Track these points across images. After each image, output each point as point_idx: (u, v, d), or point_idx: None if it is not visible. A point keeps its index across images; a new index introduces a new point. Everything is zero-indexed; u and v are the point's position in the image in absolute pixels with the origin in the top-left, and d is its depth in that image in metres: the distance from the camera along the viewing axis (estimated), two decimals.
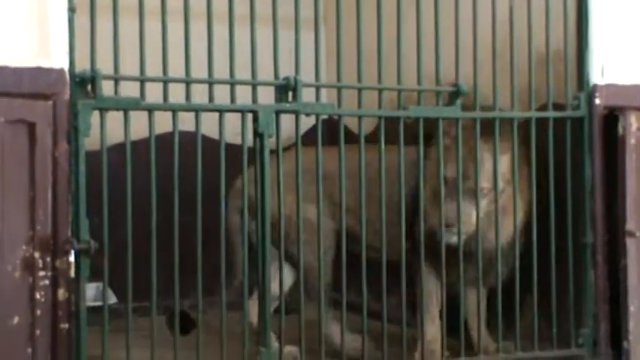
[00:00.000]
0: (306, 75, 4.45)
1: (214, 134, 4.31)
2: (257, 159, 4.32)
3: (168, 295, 4.24)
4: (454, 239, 4.68)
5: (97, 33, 3.99)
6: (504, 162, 4.80)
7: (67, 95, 3.89)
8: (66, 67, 3.90)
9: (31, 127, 3.81)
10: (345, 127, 4.60)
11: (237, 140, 4.34)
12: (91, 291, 4.19)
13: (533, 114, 4.89)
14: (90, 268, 3.94)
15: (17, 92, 3.79)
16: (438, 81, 4.73)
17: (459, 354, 4.73)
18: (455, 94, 4.71)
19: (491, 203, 4.80)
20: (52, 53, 3.88)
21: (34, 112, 3.82)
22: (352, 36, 4.53)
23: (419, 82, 4.70)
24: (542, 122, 4.85)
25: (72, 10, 3.90)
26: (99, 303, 4.26)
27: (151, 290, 4.09)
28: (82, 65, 3.97)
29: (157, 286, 4.12)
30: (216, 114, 4.29)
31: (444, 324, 4.80)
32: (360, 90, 4.59)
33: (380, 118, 4.66)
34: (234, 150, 4.35)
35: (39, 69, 3.85)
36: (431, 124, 4.67)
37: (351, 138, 4.72)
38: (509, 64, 4.85)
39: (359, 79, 4.57)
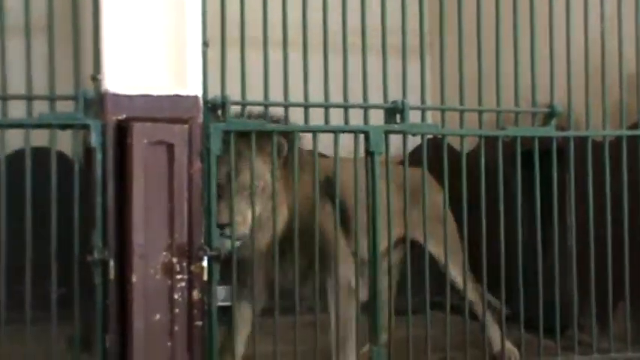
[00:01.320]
0: (413, 98, 4.43)
1: (330, 152, 4.35)
2: (368, 175, 4.31)
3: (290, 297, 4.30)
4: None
5: (227, 63, 4.05)
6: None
7: (200, 119, 3.95)
8: (200, 94, 3.96)
9: (170, 147, 3.86)
10: (448, 146, 4.58)
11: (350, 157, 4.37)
12: (221, 292, 4.18)
13: (624, 132, 4.78)
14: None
15: (158, 117, 3.86)
16: (534, 102, 4.66)
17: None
18: (550, 115, 4.64)
19: None
20: (188, 82, 3.94)
21: (172, 134, 3.87)
22: (454, 62, 4.50)
23: (516, 104, 4.66)
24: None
25: (205, 44, 3.98)
26: (228, 303, 4.33)
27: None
28: (214, 92, 4.03)
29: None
30: (332, 134, 4.31)
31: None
32: (461, 112, 4.57)
33: (480, 137, 4.64)
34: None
35: (177, 96, 3.91)
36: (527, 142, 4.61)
37: (453, 155, 4.65)
38: (601, 84, 4.74)
39: (461, 102, 4.55)
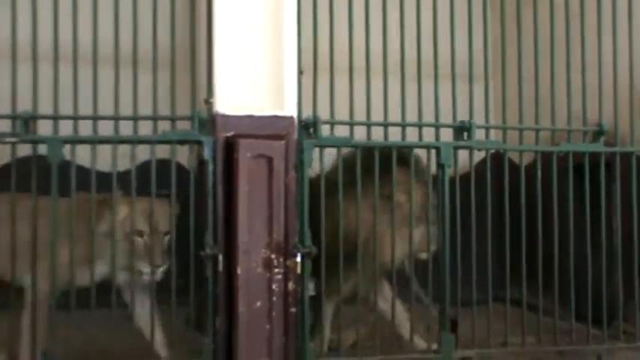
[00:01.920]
0: (478, 118, 4.54)
1: None
2: (439, 185, 4.45)
3: None
4: None
5: (318, 88, 4.25)
6: None
7: (295, 136, 4.17)
8: (295, 115, 4.18)
9: (270, 160, 4.06)
10: (509, 160, 4.68)
11: None
12: (311, 284, 4.27)
13: None
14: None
15: (260, 134, 4.08)
16: (584, 121, 4.75)
17: None
18: (599, 133, 4.74)
19: None
20: (285, 105, 4.16)
21: (272, 149, 4.08)
22: (514, 86, 4.62)
23: (569, 123, 4.73)
24: None
25: (300, 72, 4.20)
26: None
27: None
28: (307, 113, 4.24)
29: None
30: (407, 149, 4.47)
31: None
32: (520, 130, 4.70)
33: (537, 152, 4.74)
34: None
35: (276, 117, 4.15)
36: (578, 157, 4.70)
37: (513, 168, 4.73)
38: None
39: (520, 121, 4.68)
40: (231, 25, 4.18)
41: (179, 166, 4.19)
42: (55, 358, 3.98)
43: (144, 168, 4.13)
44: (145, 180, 4.10)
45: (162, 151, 4.19)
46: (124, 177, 4.18)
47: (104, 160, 4.12)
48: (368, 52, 4.39)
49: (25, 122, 3.99)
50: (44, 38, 4.07)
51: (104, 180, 4.16)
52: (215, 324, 4.08)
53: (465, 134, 4.51)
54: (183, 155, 4.30)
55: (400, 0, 4.46)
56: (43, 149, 4.04)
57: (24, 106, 4.02)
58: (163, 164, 4.11)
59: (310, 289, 4.26)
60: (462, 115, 4.53)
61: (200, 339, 4.14)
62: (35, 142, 4.04)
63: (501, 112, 4.67)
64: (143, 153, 4.18)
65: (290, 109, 4.18)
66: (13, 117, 3.99)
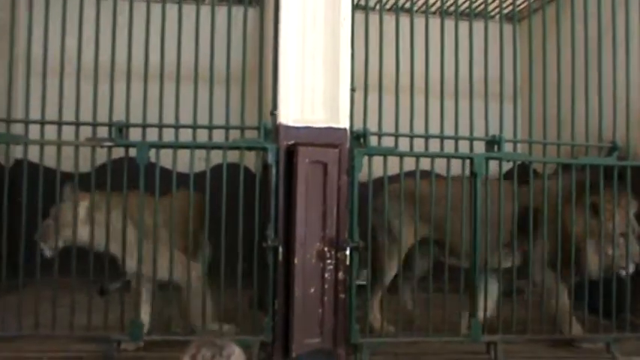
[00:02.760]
0: (507, 133, 4.65)
1: (443, 173, 4.60)
2: (472, 192, 4.53)
3: None
4: None
5: (368, 104, 4.39)
6: None
7: (347, 145, 4.29)
8: (347, 127, 4.30)
9: (325, 166, 4.20)
10: (534, 170, 4.82)
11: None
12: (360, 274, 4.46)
13: None
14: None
15: (317, 143, 4.22)
16: (600, 138, 4.82)
17: None
18: (612, 148, 4.80)
19: None
20: (339, 118, 4.30)
21: (327, 156, 4.21)
22: (539, 106, 4.71)
23: (586, 139, 4.81)
24: None
25: (353, 90, 4.32)
26: (363, 282, 4.64)
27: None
28: (358, 125, 4.36)
29: None
30: (445, 159, 4.58)
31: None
32: (544, 144, 4.79)
33: (558, 164, 4.82)
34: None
35: (331, 128, 4.28)
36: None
37: (537, 177, 4.86)
38: None
39: (544, 136, 4.75)
40: (293, 49, 4.31)
41: (246, 169, 4.36)
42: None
43: (215, 170, 4.30)
44: (219, 181, 4.27)
45: (232, 156, 4.35)
46: (198, 178, 4.35)
47: (183, 162, 4.36)
48: (412, 73, 4.50)
49: (119, 129, 4.25)
50: (136, 60, 4.31)
51: (182, 180, 4.37)
52: (274, 306, 4.22)
53: (496, 147, 4.59)
54: (249, 160, 4.48)
55: (440, 28, 4.59)
56: (132, 152, 4.27)
57: (118, 116, 4.27)
58: (232, 167, 4.28)
59: (360, 279, 4.39)
60: (493, 130, 4.62)
61: (261, 318, 4.30)
62: (127, 146, 4.27)
63: (528, 128, 4.77)
64: (216, 157, 4.34)
65: (343, 122, 4.30)
66: (110, 125, 4.25)
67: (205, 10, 4.48)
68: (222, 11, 4.59)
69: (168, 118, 4.35)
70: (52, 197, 4.42)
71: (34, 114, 4.29)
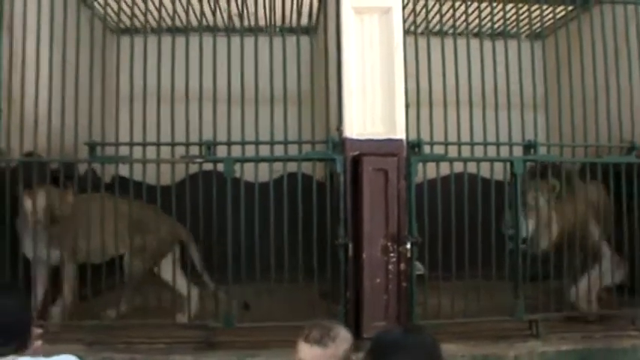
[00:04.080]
0: (540, 138, 4.66)
1: (487, 175, 4.62)
2: (513, 191, 4.54)
3: None
4: None
5: (421, 117, 4.43)
6: None
7: (404, 154, 4.29)
8: (404, 137, 4.31)
9: (385, 172, 4.23)
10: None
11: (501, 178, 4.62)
12: (418, 265, 4.44)
13: None
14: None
15: (378, 153, 4.24)
16: (621, 139, 4.79)
17: None
18: (631, 148, 4.77)
19: None
20: (396, 130, 4.30)
21: (387, 164, 4.23)
22: (568, 113, 4.70)
23: (609, 140, 4.79)
24: None
25: (407, 105, 4.33)
26: (421, 272, 4.62)
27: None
28: (412, 136, 4.38)
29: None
30: (488, 163, 4.62)
31: None
32: (573, 146, 4.84)
33: (585, 163, 4.83)
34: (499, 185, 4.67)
35: (390, 139, 4.29)
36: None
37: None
38: None
39: (572, 139, 4.79)
40: (355, 71, 4.33)
41: (309, 178, 4.41)
42: None
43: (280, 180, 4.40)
44: (292, 188, 4.33)
45: (292, 167, 4.40)
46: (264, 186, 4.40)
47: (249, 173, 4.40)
48: (457, 89, 4.48)
49: (208, 147, 4.29)
50: (220, 86, 4.36)
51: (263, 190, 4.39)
52: (346, 295, 4.23)
53: (532, 150, 4.59)
54: (310, 170, 4.47)
55: (480, 47, 4.58)
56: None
57: (207, 135, 4.34)
58: (294, 176, 4.33)
59: (419, 269, 4.43)
60: (529, 135, 4.61)
61: (332, 307, 4.34)
62: (215, 162, 4.33)
63: (558, 133, 4.72)
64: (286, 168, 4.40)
65: (400, 134, 4.30)
66: (200, 144, 4.31)
67: (267, 40, 4.57)
68: (288, 42, 4.63)
69: (249, 136, 4.39)
70: None
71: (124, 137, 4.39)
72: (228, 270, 4.26)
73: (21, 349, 2.36)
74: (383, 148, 4.30)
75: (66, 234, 4.38)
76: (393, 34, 4.38)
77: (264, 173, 4.46)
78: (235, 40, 4.50)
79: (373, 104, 4.35)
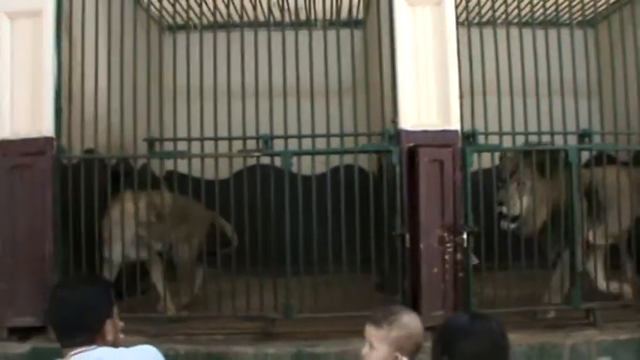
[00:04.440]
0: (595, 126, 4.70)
1: None
2: (568, 178, 4.49)
3: None
4: None
5: (475, 108, 4.45)
6: None
7: (459, 144, 4.34)
8: (458, 128, 4.34)
9: (441, 163, 4.28)
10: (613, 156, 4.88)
11: None
12: (472, 256, 4.41)
13: None
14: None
15: (433, 144, 4.29)
16: None
17: None
18: None
19: None
20: (451, 121, 4.34)
21: (442, 155, 4.29)
22: (622, 101, 4.71)
23: None
24: None
25: (461, 96, 4.37)
26: (476, 262, 4.57)
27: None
28: (467, 127, 4.42)
29: None
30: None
31: None
32: (628, 134, 4.84)
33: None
34: None
35: (445, 131, 4.34)
36: None
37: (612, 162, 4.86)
38: None
39: (627, 127, 4.74)
40: (409, 64, 4.39)
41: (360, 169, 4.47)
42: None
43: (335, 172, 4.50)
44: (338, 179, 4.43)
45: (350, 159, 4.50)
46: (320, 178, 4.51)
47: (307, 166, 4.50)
48: (510, 79, 4.52)
49: (265, 141, 4.39)
50: (276, 81, 4.47)
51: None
52: (403, 285, 4.31)
53: (587, 139, 4.58)
54: (362, 161, 4.61)
55: (532, 37, 4.59)
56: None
57: (264, 129, 4.43)
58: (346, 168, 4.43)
59: (473, 259, 4.42)
60: (583, 124, 4.63)
61: (389, 298, 4.40)
62: (272, 155, 4.43)
63: (612, 121, 4.75)
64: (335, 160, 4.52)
65: (455, 125, 4.35)
66: (257, 138, 4.40)
67: (324, 34, 4.59)
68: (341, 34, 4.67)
69: (305, 129, 4.46)
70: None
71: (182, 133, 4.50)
72: (287, 262, 4.31)
73: (96, 340, 2.42)
74: (438, 139, 4.34)
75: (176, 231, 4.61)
76: (445, 26, 4.42)
77: (309, 165, 4.53)
78: (289, 34, 4.53)
79: (427, 96, 4.39)
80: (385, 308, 2.74)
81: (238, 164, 4.67)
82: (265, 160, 4.46)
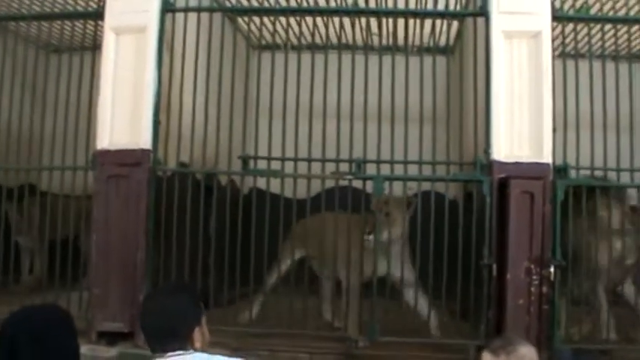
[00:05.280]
0: None
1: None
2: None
3: None
4: None
5: (567, 142, 4.46)
6: None
7: (550, 177, 4.39)
8: (550, 161, 4.40)
9: (532, 195, 4.35)
10: None
11: None
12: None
13: None
14: None
15: (524, 176, 4.36)
16: None
17: None
18: None
19: None
20: (543, 154, 4.39)
21: (533, 187, 4.34)
22: None
23: None
24: None
25: (554, 130, 4.40)
26: None
27: None
28: (559, 160, 4.48)
29: None
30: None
31: None
32: None
33: None
34: None
35: (536, 163, 4.39)
36: None
37: None
38: None
39: None
40: (504, 95, 4.47)
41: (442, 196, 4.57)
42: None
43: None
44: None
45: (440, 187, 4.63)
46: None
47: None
48: (604, 112, 4.57)
49: (358, 165, 4.54)
50: (371, 105, 4.59)
51: None
52: (488, 315, 4.37)
53: None
54: (447, 189, 4.60)
55: (629, 70, 4.65)
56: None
57: (357, 153, 4.57)
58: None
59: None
60: None
61: (463, 326, 4.52)
62: (365, 179, 4.56)
63: None
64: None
65: (546, 158, 4.41)
66: (350, 161, 4.56)
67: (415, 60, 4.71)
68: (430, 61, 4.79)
69: (397, 155, 4.61)
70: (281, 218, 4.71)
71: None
72: (373, 284, 4.41)
73: (185, 346, 2.51)
74: (529, 171, 4.41)
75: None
76: (542, 58, 4.49)
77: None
78: (386, 59, 4.65)
79: (521, 127, 4.47)
80: (504, 337, 2.85)
81: (318, 185, 4.75)
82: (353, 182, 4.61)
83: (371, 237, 4.54)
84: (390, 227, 4.60)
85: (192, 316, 2.56)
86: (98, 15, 4.81)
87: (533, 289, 4.35)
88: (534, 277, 4.36)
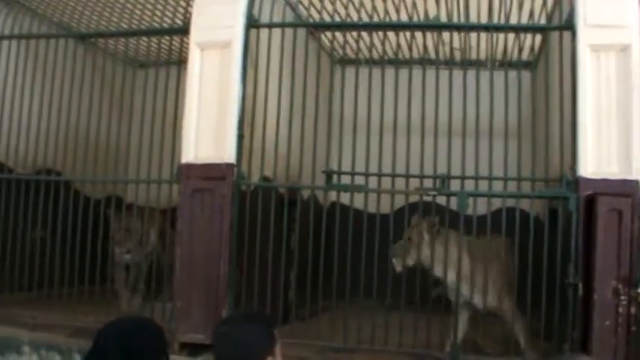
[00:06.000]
0: None
1: None
2: None
3: None
4: None
5: None
6: None
7: (639, 194, 4.30)
8: (639, 178, 4.31)
9: (619, 213, 4.26)
10: None
11: None
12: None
13: None
14: None
15: (612, 193, 4.28)
16: None
17: None
18: None
19: None
20: (632, 171, 4.33)
21: (621, 204, 4.25)
22: None
23: None
24: None
25: None
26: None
27: None
28: None
29: None
30: None
31: None
32: None
33: None
34: None
35: (624, 180, 4.32)
36: None
37: None
38: None
39: None
40: (591, 110, 4.43)
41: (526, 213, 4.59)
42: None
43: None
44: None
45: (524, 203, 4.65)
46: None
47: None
48: None
49: (442, 180, 4.60)
50: (456, 121, 4.66)
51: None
52: (572, 335, 4.35)
53: None
54: (527, 205, 4.67)
55: None
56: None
57: (441, 169, 4.64)
58: (512, 211, 4.56)
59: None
60: None
61: (545, 345, 4.49)
62: (449, 195, 4.62)
63: None
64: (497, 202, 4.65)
65: (635, 174, 4.35)
66: (434, 177, 4.62)
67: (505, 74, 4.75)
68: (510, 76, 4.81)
69: (482, 171, 4.63)
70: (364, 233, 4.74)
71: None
72: (457, 303, 4.45)
73: None
74: (617, 188, 4.37)
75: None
76: (630, 72, 4.46)
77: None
78: (470, 74, 4.70)
79: (608, 143, 4.44)
80: (566, 356, 2.83)
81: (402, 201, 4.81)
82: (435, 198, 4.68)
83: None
84: (413, 250, 4.70)
85: (264, 346, 2.63)
86: (184, 31, 4.98)
87: (620, 309, 4.30)
88: (622, 297, 4.30)
